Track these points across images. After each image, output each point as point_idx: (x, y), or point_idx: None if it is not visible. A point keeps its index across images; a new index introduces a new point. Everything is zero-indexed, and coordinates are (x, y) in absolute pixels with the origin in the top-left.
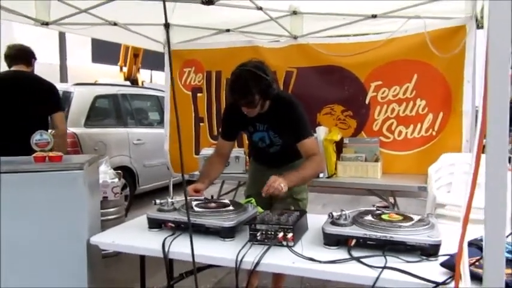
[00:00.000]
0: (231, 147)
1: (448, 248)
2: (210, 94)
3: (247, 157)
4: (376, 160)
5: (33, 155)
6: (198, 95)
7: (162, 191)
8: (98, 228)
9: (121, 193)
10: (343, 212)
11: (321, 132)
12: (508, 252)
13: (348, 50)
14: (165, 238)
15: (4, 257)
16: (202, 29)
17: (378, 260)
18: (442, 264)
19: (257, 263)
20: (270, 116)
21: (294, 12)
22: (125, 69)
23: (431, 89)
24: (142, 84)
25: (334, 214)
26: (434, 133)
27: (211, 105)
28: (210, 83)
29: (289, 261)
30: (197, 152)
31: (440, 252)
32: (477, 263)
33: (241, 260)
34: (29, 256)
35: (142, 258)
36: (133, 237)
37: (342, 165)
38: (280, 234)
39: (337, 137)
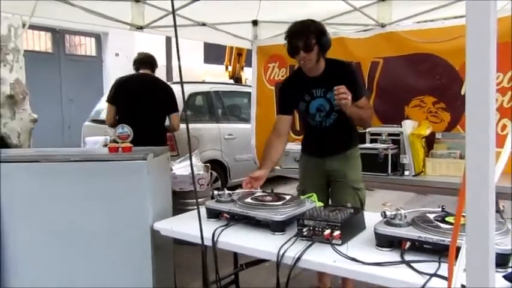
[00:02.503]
0: (288, 122)
1: None
2: None
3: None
4: None
5: (108, 145)
6: None
7: None
8: (168, 215)
9: (209, 185)
10: (399, 212)
11: (407, 126)
12: None
13: (441, 36)
14: (216, 228)
15: (73, 241)
16: (287, 24)
17: (431, 266)
18: (505, 277)
19: (298, 259)
20: (326, 79)
21: None
22: (230, 68)
23: None
24: (245, 82)
25: (388, 213)
26: None
27: None
28: None
29: (331, 260)
30: None
31: None
32: None
33: (282, 255)
34: (96, 240)
35: (205, 247)
36: (191, 225)
37: (431, 163)
38: (327, 231)
39: (426, 132)
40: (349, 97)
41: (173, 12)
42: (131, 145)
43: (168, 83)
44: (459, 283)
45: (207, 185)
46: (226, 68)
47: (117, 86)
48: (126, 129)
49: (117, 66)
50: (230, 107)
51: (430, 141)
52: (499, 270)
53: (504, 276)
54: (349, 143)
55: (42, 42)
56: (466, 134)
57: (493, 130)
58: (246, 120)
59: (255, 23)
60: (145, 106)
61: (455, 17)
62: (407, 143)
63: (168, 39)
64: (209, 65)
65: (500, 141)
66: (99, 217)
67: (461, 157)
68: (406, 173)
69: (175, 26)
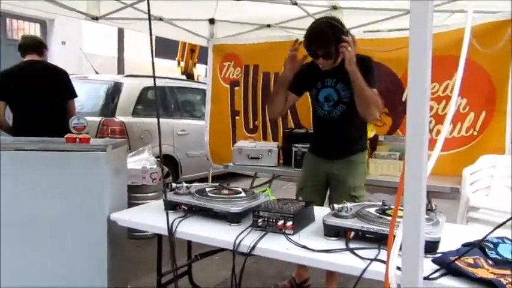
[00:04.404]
0: (292, 99)
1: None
2: (247, 87)
3: (280, 151)
4: None
5: (66, 136)
6: (236, 88)
7: (204, 181)
8: (124, 207)
9: (161, 179)
10: (345, 205)
11: None
12: (494, 253)
13: (387, 45)
14: (175, 219)
15: (27, 231)
16: (244, 24)
17: (371, 253)
18: (434, 261)
19: (253, 247)
20: (340, 71)
21: (334, 7)
22: (183, 63)
23: (474, 86)
24: (198, 78)
25: (336, 206)
26: (475, 133)
27: (248, 99)
28: (248, 77)
29: (284, 248)
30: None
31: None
32: (472, 262)
33: (239, 243)
34: (51, 230)
35: (160, 238)
36: (149, 216)
37: (373, 163)
38: (280, 222)
39: (370, 134)
40: (353, 52)
41: (149, 14)
42: (89, 136)
43: (120, 76)
44: (395, 265)
45: (159, 179)
46: (179, 63)
47: (1, 80)
48: (82, 121)
49: (64, 55)
50: (184, 103)
51: (373, 143)
52: (428, 256)
53: (433, 260)
54: (355, 146)
55: None
56: (406, 140)
57: (427, 136)
58: (199, 117)
59: (211, 21)
60: (38, 96)
61: (400, 29)
62: None
63: (121, 30)
64: (161, 60)
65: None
66: (55, 207)
67: (400, 158)
68: None
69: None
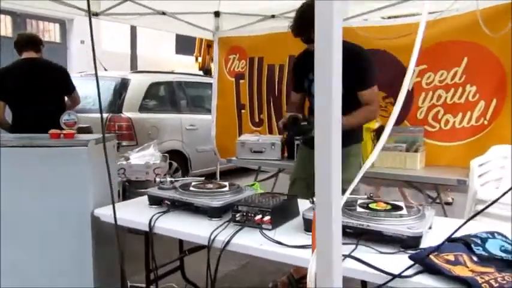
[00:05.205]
0: (303, 98)
1: None
2: (252, 80)
3: (285, 145)
4: (416, 150)
5: (50, 131)
6: (241, 81)
7: (215, 176)
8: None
9: (166, 174)
10: None
11: None
12: (480, 249)
13: (392, 33)
14: (154, 214)
15: (10, 227)
16: (249, 16)
17: (350, 249)
18: (411, 257)
19: (227, 242)
20: None
21: None
22: (200, 59)
23: (484, 73)
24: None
25: (315, 199)
26: (486, 122)
27: (253, 92)
28: (252, 69)
29: (258, 243)
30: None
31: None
32: (452, 259)
33: (213, 239)
34: (33, 226)
35: (146, 234)
36: (132, 211)
37: (379, 155)
38: (258, 217)
39: (375, 125)
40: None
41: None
42: (74, 132)
43: (127, 72)
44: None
45: (164, 174)
46: (196, 59)
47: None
48: (72, 116)
49: (83, 54)
50: (193, 97)
51: (379, 135)
52: (408, 252)
53: (409, 257)
54: (348, 138)
55: (2, 26)
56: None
57: (339, 134)
58: (209, 111)
59: (217, 14)
60: (37, 94)
61: (405, 16)
62: None
63: (133, 28)
64: (181, 56)
65: (445, 136)
66: (37, 203)
67: (407, 150)
68: None
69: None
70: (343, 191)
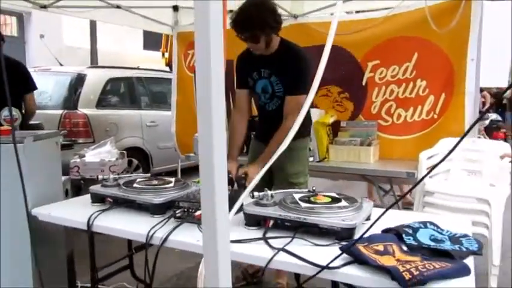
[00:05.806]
0: (246, 96)
1: None
2: None
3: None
4: (369, 144)
5: None
6: None
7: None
8: (57, 200)
9: (123, 172)
10: (267, 192)
11: (315, 114)
12: (411, 239)
13: (346, 28)
14: (94, 212)
15: None
16: None
17: (285, 242)
18: (341, 248)
19: (165, 239)
20: (274, 61)
21: None
22: (167, 55)
23: (433, 68)
24: None
25: (257, 194)
26: (435, 116)
27: None
28: None
29: (195, 239)
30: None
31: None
32: (381, 249)
33: (151, 236)
34: None
35: (91, 234)
36: (72, 210)
37: (334, 149)
38: (198, 212)
39: (329, 120)
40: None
41: None
42: (9, 128)
43: (84, 67)
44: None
45: (122, 172)
46: (163, 54)
47: None
48: (12, 112)
49: (42, 49)
50: (155, 93)
51: (335, 129)
52: (341, 243)
53: (340, 248)
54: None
55: None
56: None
57: (223, 133)
58: (168, 107)
59: (175, 8)
60: None
61: (362, 11)
62: (312, 130)
63: (93, 22)
64: (148, 52)
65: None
66: None
67: (361, 144)
68: (311, 159)
69: None
70: (290, 184)
